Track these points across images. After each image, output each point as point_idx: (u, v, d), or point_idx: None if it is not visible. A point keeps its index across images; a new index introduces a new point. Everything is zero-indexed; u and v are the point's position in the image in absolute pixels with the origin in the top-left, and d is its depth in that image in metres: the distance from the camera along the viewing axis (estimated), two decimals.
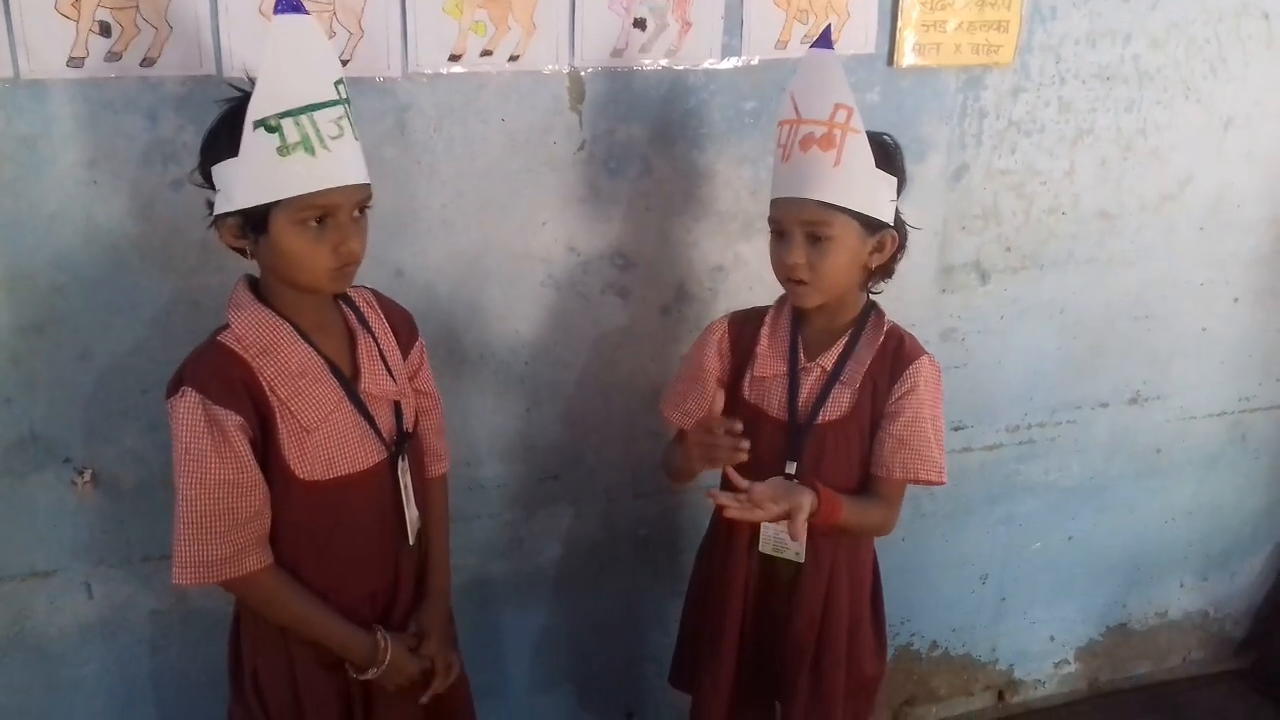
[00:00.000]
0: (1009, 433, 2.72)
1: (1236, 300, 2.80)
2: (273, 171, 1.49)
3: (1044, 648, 3.02)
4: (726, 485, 2.00)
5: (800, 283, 1.80)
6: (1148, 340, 2.76)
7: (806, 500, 1.69)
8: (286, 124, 1.47)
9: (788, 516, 1.68)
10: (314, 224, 1.54)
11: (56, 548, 2.05)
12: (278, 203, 1.51)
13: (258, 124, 1.47)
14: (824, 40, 1.80)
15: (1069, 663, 3.07)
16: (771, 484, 1.72)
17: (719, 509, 2.01)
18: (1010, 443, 2.73)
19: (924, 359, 1.88)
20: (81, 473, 2.01)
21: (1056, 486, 2.83)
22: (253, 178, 1.50)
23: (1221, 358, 2.86)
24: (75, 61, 1.78)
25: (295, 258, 1.55)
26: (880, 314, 1.92)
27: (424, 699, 1.82)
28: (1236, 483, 3.03)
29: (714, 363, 1.97)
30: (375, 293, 1.82)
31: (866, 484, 1.91)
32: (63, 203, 1.86)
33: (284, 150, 1.48)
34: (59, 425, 1.98)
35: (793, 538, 1.71)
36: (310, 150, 1.49)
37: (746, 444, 1.74)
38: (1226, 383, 2.89)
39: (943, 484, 1.90)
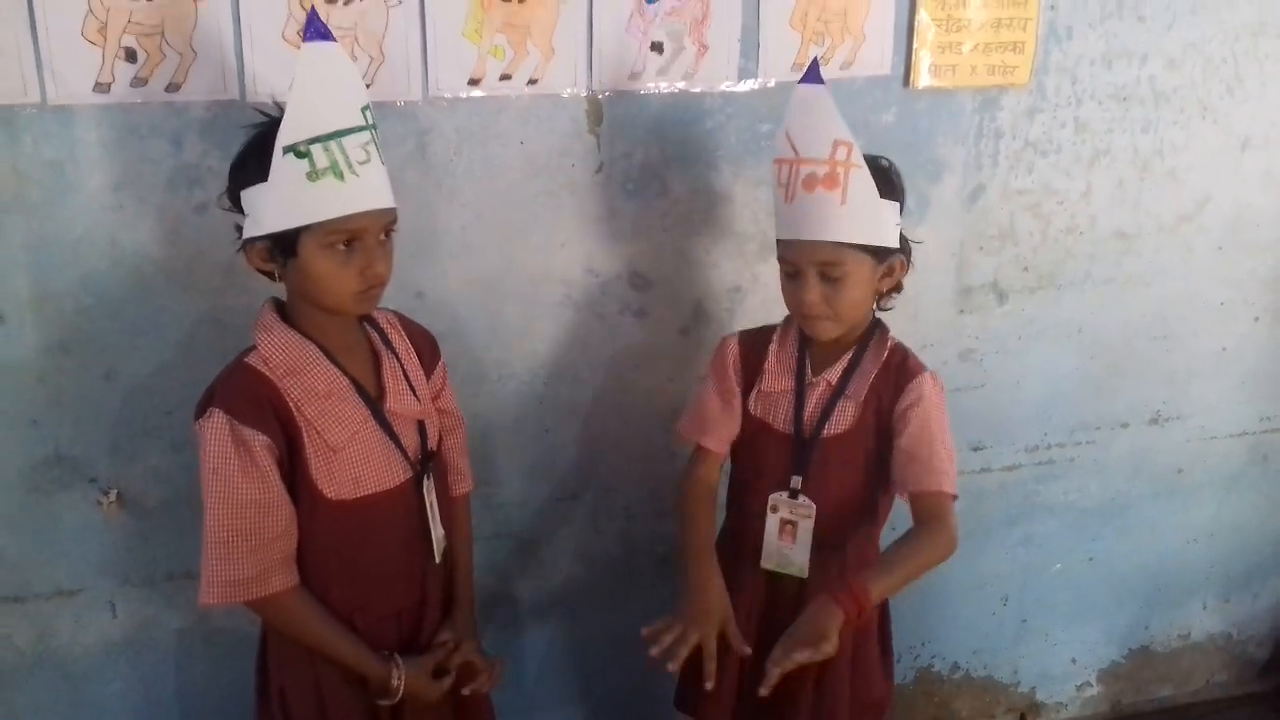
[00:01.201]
0: (1028, 453, 2.71)
1: (1257, 320, 2.80)
2: (302, 196, 1.51)
3: (1066, 670, 3.00)
4: (734, 525, 2.02)
5: (820, 319, 1.81)
6: (1167, 360, 2.75)
7: (832, 626, 1.61)
8: (315, 150, 1.50)
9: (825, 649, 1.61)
10: (342, 247, 1.56)
11: (82, 566, 2.07)
12: (307, 227, 1.53)
13: (287, 150, 1.49)
14: (812, 74, 1.77)
15: (1091, 685, 3.05)
16: (789, 640, 1.63)
17: (729, 521, 2.01)
18: (1029, 463, 2.72)
19: (926, 375, 1.88)
20: (107, 492, 2.03)
21: (1076, 507, 2.81)
22: (282, 202, 1.52)
23: (1242, 377, 2.84)
24: (101, 87, 1.82)
25: (323, 280, 1.57)
26: (885, 330, 1.93)
27: (466, 690, 1.82)
28: (1258, 503, 3.01)
29: (734, 380, 1.97)
30: (398, 315, 1.84)
31: (871, 499, 1.92)
32: (89, 226, 1.89)
33: (313, 175, 1.50)
34: (84, 445, 2.01)
35: (830, 654, 1.61)
36: (339, 175, 1.52)
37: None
38: (1247, 403, 2.88)
39: (953, 495, 1.84)
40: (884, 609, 2.05)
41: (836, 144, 1.73)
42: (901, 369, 1.89)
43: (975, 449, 2.64)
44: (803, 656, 1.60)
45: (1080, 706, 3.05)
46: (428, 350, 1.86)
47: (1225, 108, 2.55)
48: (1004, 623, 2.88)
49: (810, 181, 1.74)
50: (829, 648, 1.60)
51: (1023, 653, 2.93)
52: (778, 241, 1.85)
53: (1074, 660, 3.00)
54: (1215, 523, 2.98)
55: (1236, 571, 3.06)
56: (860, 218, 1.76)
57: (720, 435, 1.99)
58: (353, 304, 1.62)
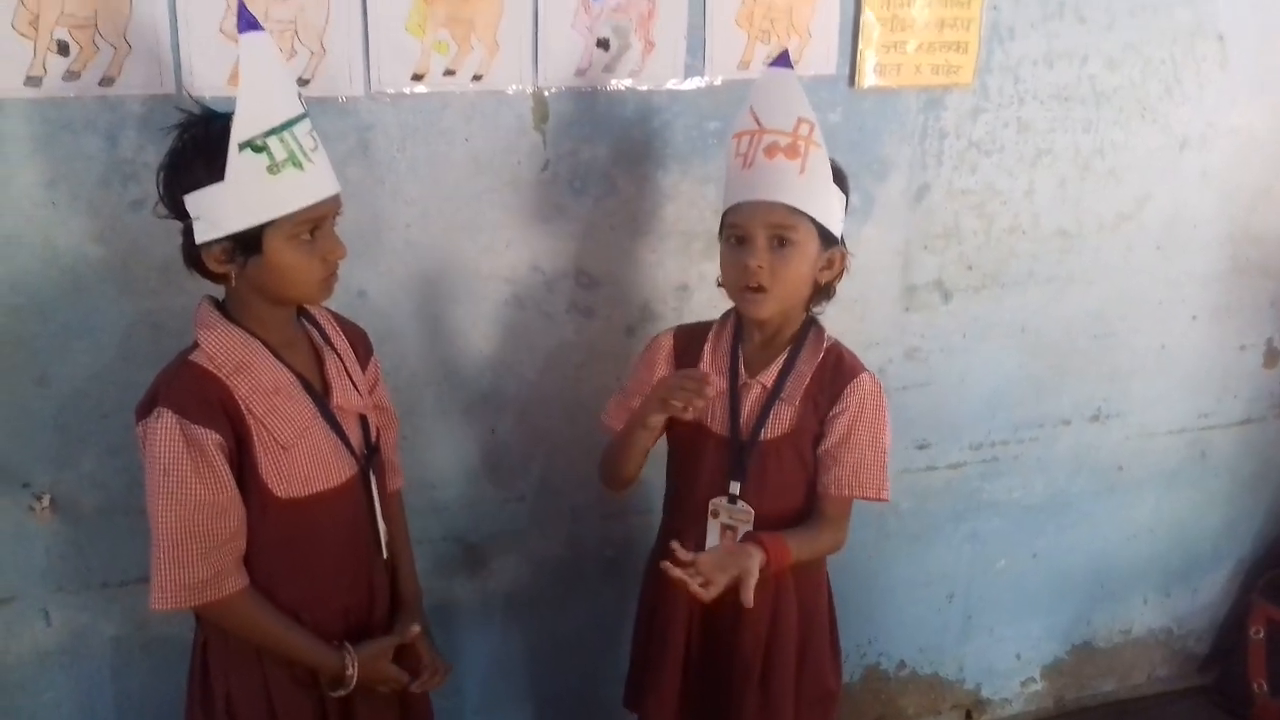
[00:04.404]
0: (973, 450, 2.73)
1: (1194, 318, 2.84)
2: (265, 191, 1.50)
3: (1010, 666, 3.03)
4: (670, 529, 2.00)
5: (759, 289, 1.79)
6: (1108, 358, 2.78)
7: (754, 563, 1.68)
8: (272, 142, 1.50)
9: (739, 583, 1.67)
10: (307, 237, 1.56)
11: (14, 574, 2.02)
12: (272, 221, 1.52)
13: (244, 145, 1.48)
14: (783, 61, 1.83)
15: (1035, 681, 3.07)
16: (716, 555, 1.71)
17: (664, 530, 2.00)
18: (974, 460, 2.74)
19: (863, 376, 1.88)
20: (40, 498, 1.98)
21: (1020, 504, 2.84)
22: (244, 200, 1.50)
23: (1180, 375, 2.89)
24: (33, 81, 1.77)
25: (292, 272, 1.57)
26: (820, 330, 1.93)
27: (414, 687, 1.82)
28: (1196, 499, 3.05)
29: (663, 374, 1.95)
30: (331, 311, 1.83)
31: (811, 502, 1.91)
32: (20, 224, 1.84)
33: (274, 169, 1.50)
34: (17, 450, 1.95)
35: (745, 604, 1.67)
36: (299, 165, 1.52)
37: (715, 385, 1.77)
38: (1185, 400, 2.92)
39: (883, 500, 1.89)
40: (830, 606, 2.05)
41: (800, 120, 1.77)
42: (838, 370, 1.89)
43: (921, 447, 2.66)
44: (722, 578, 1.65)
45: (1025, 702, 3.08)
46: (362, 346, 1.85)
47: (1164, 108, 2.59)
48: (949, 620, 2.90)
49: (772, 149, 1.77)
50: (747, 593, 1.66)
51: (968, 649, 2.96)
52: (725, 212, 1.85)
53: (1018, 656, 3.03)
54: (1155, 519, 3.02)
55: (1176, 567, 3.11)
56: (816, 191, 1.78)
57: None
58: (318, 291, 1.63)
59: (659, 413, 1.81)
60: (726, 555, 1.70)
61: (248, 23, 1.50)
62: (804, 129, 1.77)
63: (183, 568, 1.55)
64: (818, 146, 1.77)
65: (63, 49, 1.76)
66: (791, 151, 1.76)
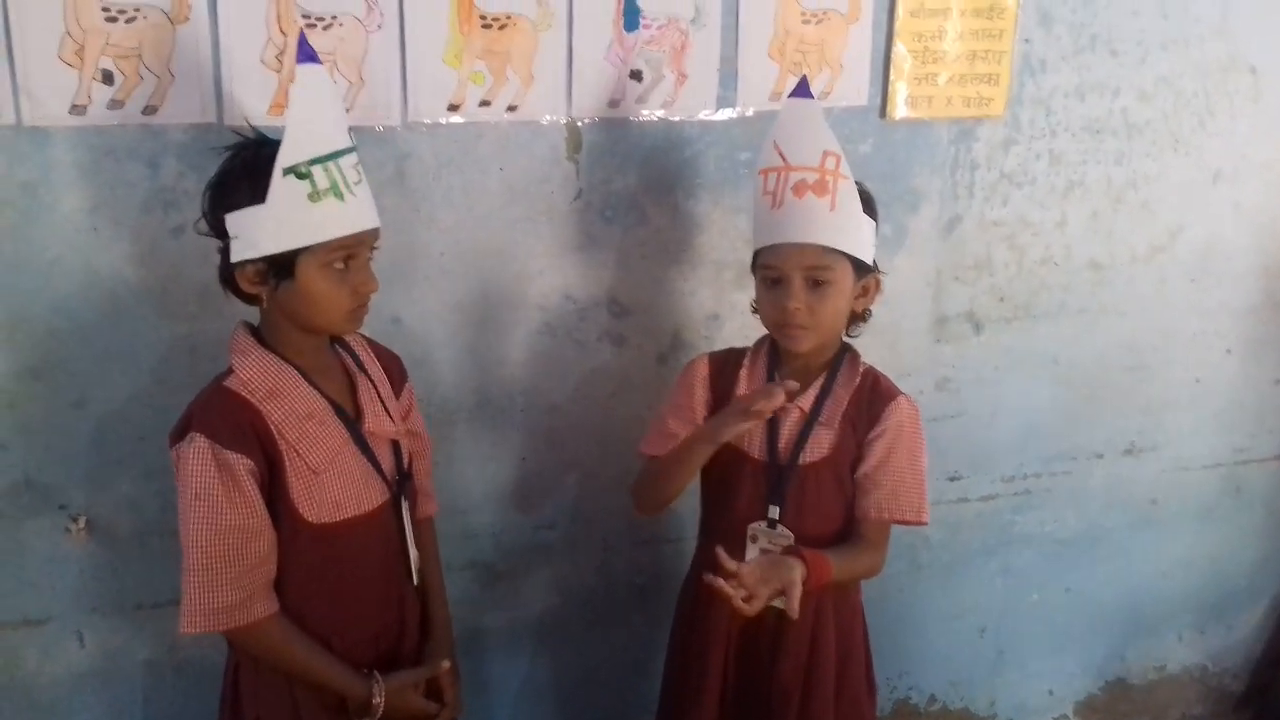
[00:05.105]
0: (1004, 483, 2.71)
1: (1229, 351, 2.82)
2: (304, 217, 1.53)
3: (1043, 702, 2.99)
4: (707, 555, 2.00)
5: (800, 328, 1.80)
6: (1141, 391, 2.77)
7: (797, 574, 1.67)
8: (316, 170, 1.52)
9: (782, 594, 1.67)
10: (339, 266, 1.58)
11: (49, 595, 2.03)
12: (308, 247, 1.54)
13: (288, 171, 1.50)
14: (802, 90, 1.83)
15: (1068, 717, 3.03)
16: (759, 565, 1.70)
17: (699, 556, 1.99)
18: (1006, 493, 2.73)
19: (901, 399, 1.89)
20: (76, 519, 2.00)
21: (1053, 537, 2.82)
22: (282, 223, 1.53)
23: (1215, 409, 2.86)
24: (78, 109, 1.80)
25: (320, 299, 1.58)
26: (855, 355, 1.93)
27: None
28: (1231, 535, 3.02)
29: (701, 398, 1.96)
30: (366, 337, 1.84)
31: (850, 526, 1.90)
32: (62, 249, 1.87)
33: (315, 196, 1.52)
34: (54, 471, 1.97)
35: (791, 615, 1.68)
36: (339, 195, 1.54)
37: (794, 384, 1.76)
38: (1220, 434, 2.90)
39: (922, 524, 1.90)
40: (865, 633, 2.04)
41: (826, 154, 1.77)
42: (875, 394, 1.90)
43: (952, 479, 2.64)
44: (765, 591, 1.65)
45: None
46: (396, 372, 1.86)
47: (1197, 140, 2.58)
48: (981, 654, 2.87)
49: (800, 188, 1.77)
50: (794, 605, 1.66)
51: (1000, 684, 2.92)
52: (758, 252, 1.85)
53: (1051, 692, 2.99)
54: (1190, 554, 2.99)
55: (1211, 603, 3.07)
56: (848, 226, 1.79)
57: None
58: (345, 322, 1.64)
59: (740, 423, 1.78)
60: (769, 567, 1.69)
61: (306, 55, 1.54)
62: (830, 162, 1.76)
63: (212, 592, 1.56)
64: (845, 179, 1.77)
65: (107, 78, 1.80)
66: (820, 188, 1.76)
